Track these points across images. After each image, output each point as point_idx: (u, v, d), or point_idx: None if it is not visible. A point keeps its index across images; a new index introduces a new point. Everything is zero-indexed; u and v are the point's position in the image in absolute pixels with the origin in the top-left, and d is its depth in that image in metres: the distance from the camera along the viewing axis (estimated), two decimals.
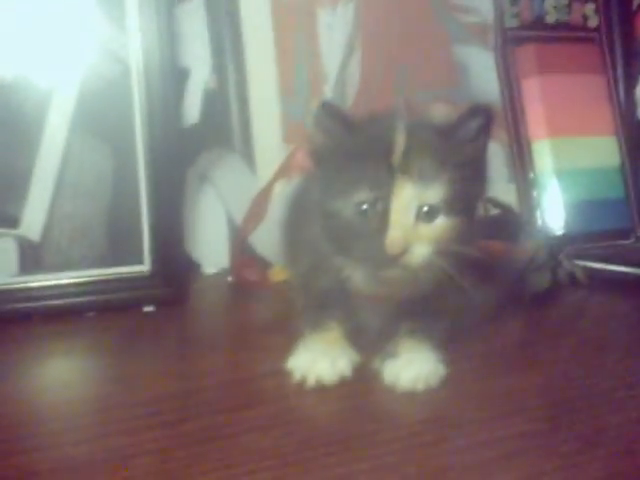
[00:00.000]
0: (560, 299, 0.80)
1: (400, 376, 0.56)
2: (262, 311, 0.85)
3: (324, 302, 0.63)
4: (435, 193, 0.56)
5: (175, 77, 0.90)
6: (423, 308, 0.60)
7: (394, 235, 0.55)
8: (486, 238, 0.75)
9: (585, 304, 0.81)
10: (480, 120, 0.58)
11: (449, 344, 0.61)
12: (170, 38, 0.87)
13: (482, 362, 0.63)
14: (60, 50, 0.83)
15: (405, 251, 0.55)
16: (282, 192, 0.82)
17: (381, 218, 0.56)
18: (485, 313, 0.69)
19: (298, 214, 0.69)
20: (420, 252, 0.56)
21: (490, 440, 0.48)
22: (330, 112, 0.59)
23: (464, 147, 0.58)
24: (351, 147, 0.58)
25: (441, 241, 0.57)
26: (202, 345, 0.72)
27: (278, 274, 0.87)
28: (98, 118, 0.83)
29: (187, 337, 0.76)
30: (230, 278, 0.92)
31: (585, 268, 0.84)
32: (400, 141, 0.56)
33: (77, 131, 0.82)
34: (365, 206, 0.56)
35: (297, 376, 0.58)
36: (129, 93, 0.84)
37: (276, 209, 0.77)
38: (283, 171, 0.87)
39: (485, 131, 0.59)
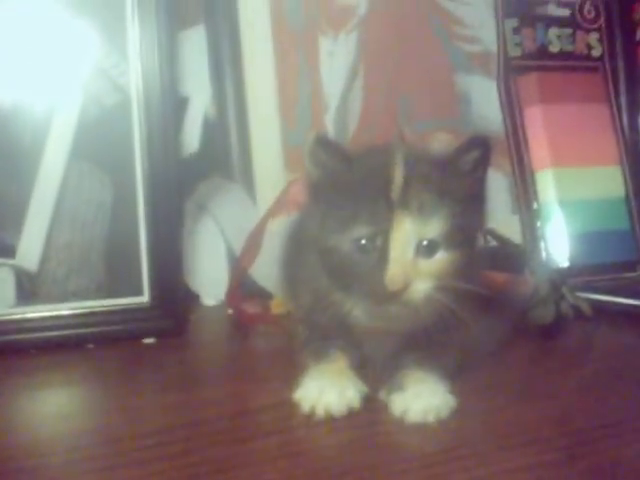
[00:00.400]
0: (566, 332, 0.79)
1: (409, 408, 0.55)
2: (263, 343, 0.83)
3: (327, 335, 0.62)
4: (435, 227, 0.55)
5: (175, 105, 0.90)
6: (427, 340, 0.59)
7: (394, 271, 0.54)
8: (487, 269, 0.76)
9: (592, 336, 0.80)
10: (478, 152, 0.58)
11: (457, 376, 0.60)
12: (170, 66, 0.87)
13: (492, 393, 0.62)
14: (60, 78, 0.82)
15: (405, 287, 0.54)
16: (279, 226, 0.81)
17: (380, 253, 0.55)
18: (491, 345, 0.68)
19: (297, 249, 0.68)
20: (420, 288, 0.55)
21: (503, 471, 0.47)
22: (325, 146, 0.58)
23: (463, 180, 0.57)
24: (348, 181, 0.57)
25: (441, 276, 0.56)
26: (203, 377, 0.71)
27: (279, 306, 0.86)
28: (97, 147, 0.83)
29: (188, 369, 0.75)
30: (230, 311, 0.91)
31: (590, 301, 0.83)
32: (398, 175, 0.56)
33: (76, 160, 0.82)
34: (364, 241, 0.56)
35: (305, 407, 0.57)
36: (129, 122, 0.84)
37: (274, 242, 0.76)
38: (278, 206, 0.87)
39: (483, 163, 0.58)
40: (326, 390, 0.57)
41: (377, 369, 0.61)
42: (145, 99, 0.84)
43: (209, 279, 0.97)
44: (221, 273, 0.96)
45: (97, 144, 0.83)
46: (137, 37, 0.84)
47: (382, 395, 0.58)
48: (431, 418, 0.55)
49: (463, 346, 0.62)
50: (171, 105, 0.86)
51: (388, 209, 0.55)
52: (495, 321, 0.72)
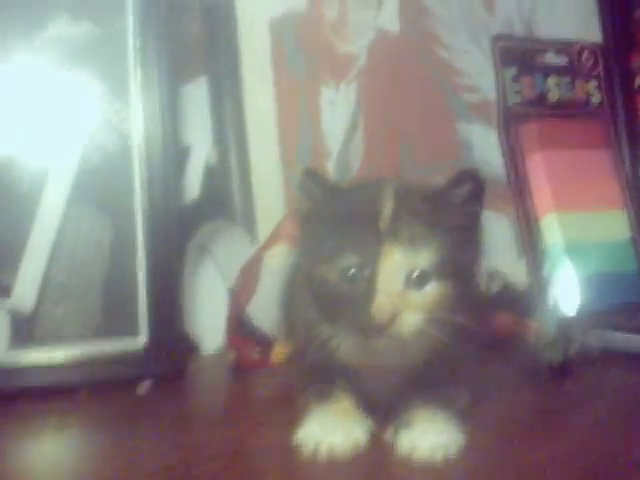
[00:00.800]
0: (574, 373, 0.77)
1: (417, 446, 0.54)
2: (263, 387, 0.82)
3: (327, 375, 0.60)
4: (425, 258, 0.55)
5: (176, 153, 0.90)
6: (430, 377, 0.58)
7: (381, 302, 0.53)
8: (493, 312, 0.75)
9: (601, 377, 0.78)
10: (469, 185, 0.57)
11: (465, 413, 0.58)
12: (172, 114, 0.88)
13: (500, 431, 0.60)
14: (61, 123, 0.83)
15: (393, 318, 0.53)
16: (276, 262, 0.80)
17: (368, 284, 0.54)
18: (495, 385, 0.68)
19: (294, 287, 0.67)
20: (410, 320, 0.54)
21: None
22: (314, 178, 0.59)
23: (454, 212, 0.57)
24: (337, 212, 0.57)
25: (432, 308, 0.55)
26: (200, 420, 0.70)
27: (280, 354, 0.84)
28: (97, 191, 0.83)
29: (185, 413, 0.73)
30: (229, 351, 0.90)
31: (598, 341, 0.82)
32: (388, 205, 0.56)
33: (75, 203, 0.82)
34: (352, 271, 0.55)
35: (308, 448, 0.55)
36: (129, 168, 0.84)
37: (272, 280, 0.76)
38: (272, 240, 0.87)
39: (475, 196, 0.58)
40: (330, 431, 0.55)
41: (382, 408, 0.59)
42: (146, 146, 0.84)
43: (209, 324, 0.96)
44: (222, 318, 0.95)
45: (98, 189, 0.83)
46: (139, 84, 0.85)
47: (388, 434, 0.57)
48: (439, 456, 0.53)
49: (469, 382, 0.61)
50: (172, 152, 0.86)
51: (377, 239, 0.54)
52: (501, 362, 0.73)
